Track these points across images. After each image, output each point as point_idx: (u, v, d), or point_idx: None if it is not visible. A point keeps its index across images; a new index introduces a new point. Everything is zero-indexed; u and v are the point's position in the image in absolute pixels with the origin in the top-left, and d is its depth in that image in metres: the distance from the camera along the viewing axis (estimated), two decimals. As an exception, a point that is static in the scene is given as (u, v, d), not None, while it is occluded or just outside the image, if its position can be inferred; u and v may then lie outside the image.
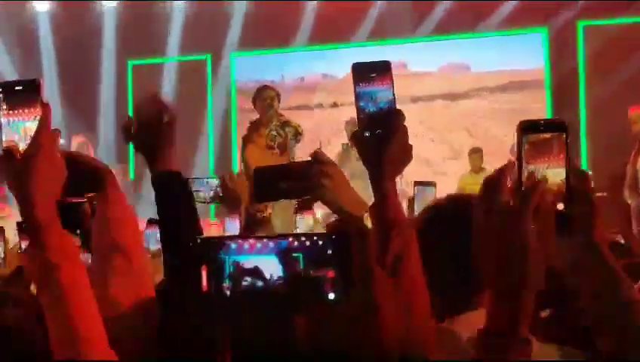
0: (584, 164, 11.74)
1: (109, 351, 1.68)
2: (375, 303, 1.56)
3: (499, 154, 11.12)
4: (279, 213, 7.87)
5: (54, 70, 13.25)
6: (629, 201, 9.10)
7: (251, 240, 1.37)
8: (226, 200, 3.93)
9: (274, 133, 9.24)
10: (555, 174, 1.63)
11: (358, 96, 1.98)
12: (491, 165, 11.55)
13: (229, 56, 13.19)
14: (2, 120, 1.78)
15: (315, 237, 1.35)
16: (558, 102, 12.15)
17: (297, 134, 9.24)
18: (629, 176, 9.40)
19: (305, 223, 4.20)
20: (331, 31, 12.64)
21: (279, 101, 9.51)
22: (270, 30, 12.65)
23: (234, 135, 12.85)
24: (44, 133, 1.75)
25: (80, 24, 13.10)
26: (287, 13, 12.58)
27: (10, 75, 13.17)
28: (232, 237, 1.39)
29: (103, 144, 12.73)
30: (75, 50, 13.01)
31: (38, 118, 1.77)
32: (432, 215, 2.31)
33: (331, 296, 1.34)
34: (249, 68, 13.05)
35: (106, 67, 13.29)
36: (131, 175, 12.38)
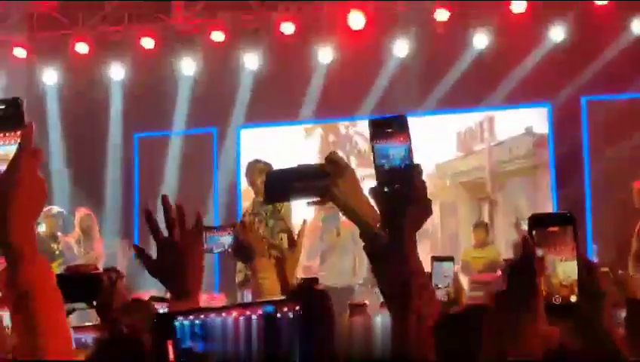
0: (589, 236, 11.71)
1: None
2: None
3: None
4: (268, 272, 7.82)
5: (61, 142, 13.31)
6: (632, 274, 9.07)
7: (210, 317, 1.35)
8: (239, 253, 3.76)
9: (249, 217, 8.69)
10: (567, 268, 1.65)
11: (374, 153, 1.99)
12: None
13: (235, 129, 13.27)
14: None
15: (279, 307, 1.34)
16: (562, 175, 12.17)
17: (275, 212, 8.49)
18: (634, 249, 9.38)
19: None
20: (337, 105, 12.73)
21: None
22: (277, 104, 12.74)
23: (239, 209, 12.86)
24: (24, 154, 1.70)
25: (87, 97, 13.22)
26: (293, 87, 12.69)
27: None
28: (189, 313, 1.38)
29: (108, 216, 12.73)
30: (81, 122, 13.11)
31: (18, 139, 1.71)
32: (448, 323, 2.28)
33: None
34: (255, 142, 13.11)
35: (112, 139, 13.35)
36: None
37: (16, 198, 1.67)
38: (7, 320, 3.95)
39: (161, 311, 3.95)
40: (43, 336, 1.61)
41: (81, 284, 2.83)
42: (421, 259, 2.05)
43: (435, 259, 4.53)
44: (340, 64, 12.57)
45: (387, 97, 12.46)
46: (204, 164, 13.36)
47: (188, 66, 13.03)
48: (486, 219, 11.90)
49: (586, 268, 1.67)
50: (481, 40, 12.17)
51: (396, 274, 1.95)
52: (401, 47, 12.40)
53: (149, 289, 10.00)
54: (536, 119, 12.54)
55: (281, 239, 8.14)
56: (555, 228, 1.68)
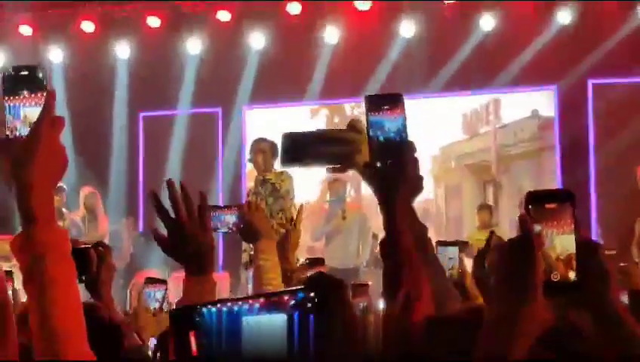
0: (593, 220, 11.72)
1: (87, 348, 1.63)
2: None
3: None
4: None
5: (66, 120, 13.27)
6: (637, 259, 9.08)
7: (230, 309, 1.35)
8: (244, 233, 3.71)
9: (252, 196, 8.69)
10: (564, 241, 1.64)
11: (369, 125, 1.98)
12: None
13: (240, 109, 13.26)
14: (5, 104, 1.74)
15: (296, 294, 1.34)
16: (567, 159, 12.16)
17: (274, 190, 8.55)
18: (637, 234, 9.38)
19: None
20: (342, 86, 12.72)
21: (274, 155, 8.65)
22: (282, 85, 12.73)
23: (244, 188, 12.87)
24: (46, 121, 1.71)
25: (93, 75, 13.22)
26: (298, 67, 12.67)
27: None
28: (210, 304, 1.38)
29: (113, 195, 12.76)
30: (87, 100, 13.10)
31: (41, 104, 1.73)
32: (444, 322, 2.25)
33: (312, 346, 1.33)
34: (260, 122, 13.11)
35: (117, 118, 13.36)
36: (141, 226, 12.42)
37: (36, 164, 1.67)
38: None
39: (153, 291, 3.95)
40: (55, 306, 1.60)
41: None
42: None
43: (439, 243, 4.54)
44: (346, 45, 12.55)
45: (393, 78, 12.43)
46: (208, 143, 13.36)
47: (193, 46, 13.01)
48: (491, 202, 11.90)
49: (590, 248, 1.66)
50: (487, 22, 12.13)
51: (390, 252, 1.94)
52: (407, 29, 12.36)
53: (152, 268, 10.07)
54: (542, 102, 12.51)
55: (281, 218, 8.18)
56: (553, 205, 1.66)
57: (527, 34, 12.04)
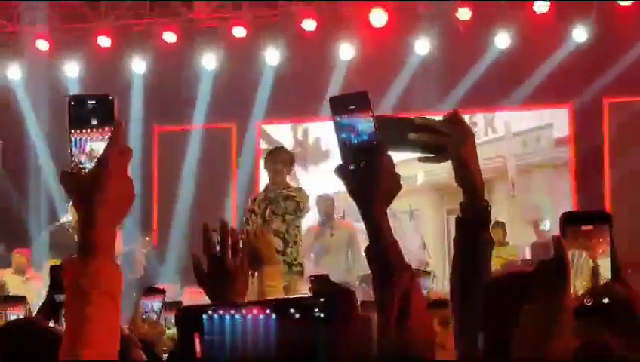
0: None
1: None
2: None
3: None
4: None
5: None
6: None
7: (237, 314, 1.35)
8: (249, 259, 3.67)
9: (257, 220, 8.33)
10: (600, 268, 1.62)
11: (338, 127, 1.92)
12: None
13: (255, 124, 13.27)
14: (72, 136, 1.71)
15: (304, 305, 1.33)
16: (582, 177, 12.13)
17: (298, 210, 8.22)
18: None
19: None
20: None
21: (292, 165, 8.53)
22: (297, 100, 12.75)
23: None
24: (114, 150, 1.66)
25: (108, 90, 13.13)
26: (313, 83, 12.68)
27: (37, 138, 13.32)
28: (217, 307, 1.37)
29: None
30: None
31: (108, 135, 1.68)
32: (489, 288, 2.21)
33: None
34: (274, 137, 13.12)
35: (132, 133, 13.38)
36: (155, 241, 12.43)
37: (102, 199, 1.63)
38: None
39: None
40: (87, 345, 1.55)
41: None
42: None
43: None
44: (361, 61, 12.56)
45: (408, 95, 12.43)
46: (223, 158, 13.38)
47: (209, 61, 13.05)
48: (504, 216, 11.85)
49: (615, 271, 1.65)
50: (503, 39, 12.12)
51: (370, 253, 1.91)
52: (422, 46, 12.37)
53: (165, 282, 10.08)
54: (557, 119, 12.50)
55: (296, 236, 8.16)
56: (590, 227, 1.64)
57: (543, 51, 12.03)
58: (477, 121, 12.66)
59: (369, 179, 1.89)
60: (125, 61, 13.27)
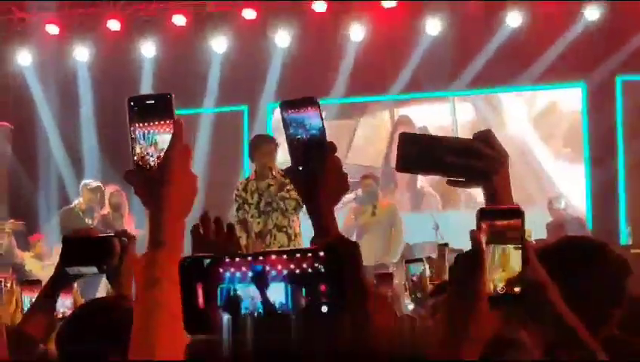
0: (622, 219, 11.60)
1: None
2: (370, 313, 1.60)
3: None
4: None
5: (92, 119, 13.36)
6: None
7: (243, 267, 1.33)
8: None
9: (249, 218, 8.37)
10: (512, 260, 1.75)
11: (286, 123, 1.95)
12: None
13: (265, 107, 13.25)
14: (137, 131, 1.77)
15: (308, 257, 1.32)
16: (595, 154, 12.08)
17: (298, 207, 8.03)
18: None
19: None
20: (368, 84, 12.69)
21: (276, 151, 8.35)
22: (307, 82, 12.71)
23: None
24: (177, 147, 1.75)
25: (119, 74, 13.24)
26: (323, 65, 12.64)
27: (48, 123, 13.33)
28: (224, 261, 1.35)
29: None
30: (113, 99, 13.12)
31: (170, 131, 1.76)
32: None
33: (324, 308, 1.31)
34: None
35: (127, 108, 13.36)
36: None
37: (168, 193, 1.72)
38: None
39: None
40: (157, 331, 1.63)
41: (92, 248, 2.75)
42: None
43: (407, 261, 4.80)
44: (372, 42, 12.51)
45: (419, 76, 12.39)
46: (234, 141, 13.35)
47: (219, 44, 13.02)
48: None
49: (524, 260, 1.76)
50: (514, 18, 12.04)
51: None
52: (433, 26, 12.30)
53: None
54: (570, 98, 12.44)
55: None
56: (503, 222, 1.75)
57: (555, 30, 11.95)
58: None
59: (315, 179, 1.93)
60: (135, 45, 13.25)
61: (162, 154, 1.75)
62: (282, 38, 12.78)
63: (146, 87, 13.34)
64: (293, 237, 8.20)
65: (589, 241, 2.61)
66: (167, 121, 1.77)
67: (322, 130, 1.94)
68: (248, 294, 1.33)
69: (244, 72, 12.98)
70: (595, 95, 12.12)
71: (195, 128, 13.24)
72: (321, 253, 1.30)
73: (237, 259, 1.34)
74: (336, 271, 1.30)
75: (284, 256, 1.32)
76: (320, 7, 12.40)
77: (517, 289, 1.73)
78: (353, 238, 10.42)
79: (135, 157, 1.77)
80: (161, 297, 1.64)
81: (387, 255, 10.21)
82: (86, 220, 10.84)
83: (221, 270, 1.34)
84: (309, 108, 1.95)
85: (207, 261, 1.35)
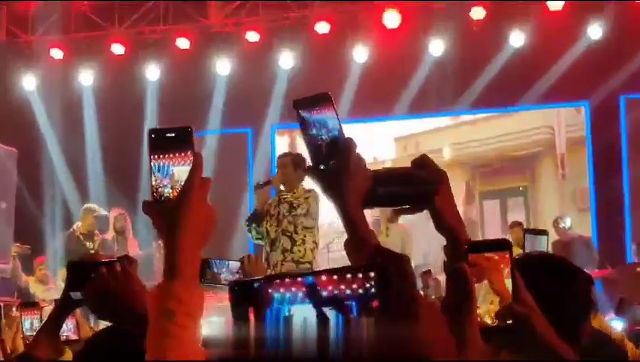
0: (628, 236, 11.58)
1: None
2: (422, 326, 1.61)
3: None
4: None
5: (97, 142, 13.39)
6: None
7: (293, 288, 1.34)
8: None
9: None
10: (503, 290, 1.77)
11: (307, 125, 1.94)
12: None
13: (270, 128, 13.27)
14: (152, 163, 1.79)
15: (360, 277, 1.32)
16: (600, 173, 12.07)
17: (292, 208, 8.26)
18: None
19: None
20: (371, 105, 12.71)
21: (297, 167, 8.37)
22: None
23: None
24: (196, 180, 1.76)
25: (123, 97, 13.29)
26: (327, 86, 12.65)
27: (53, 146, 13.36)
28: (274, 282, 1.36)
29: (142, 217, 12.74)
30: (117, 122, 13.17)
31: (189, 164, 1.77)
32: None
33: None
34: (290, 141, 13.12)
35: (147, 140, 13.38)
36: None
37: (186, 226, 1.71)
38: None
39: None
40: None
41: (94, 272, 2.79)
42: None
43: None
44: (375, 63, 12.53)
45: (422, 96, 12.41)
46: (239, 163, 13.37)
47: (223, 66, 13.06)
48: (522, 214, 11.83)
49: (513, 291, 1.79)
50: (517, 38, 12.07)
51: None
52: (436, 46, 12.33)
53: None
54: (574, 117, 12.46)
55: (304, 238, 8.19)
56: (492, 254, 1.78)
57: (558, 49, 11.97)
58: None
59: (340, 177, 1.92)
60: (140, 68, 13.30)
61: (178, 185, 1.76)
62: (286, 59, 12.82)
63: (151, 110, 13.38)
64: (298, 243, 8.22)
65: (549, 257, 2.61)
66: (186, 153, 1.79)
67: (341, 127, 1.93)
68: (301, 313, 1.33)
69: (248, 94, 13.00)
70: (598, 113, 12.12)
71: (200, 150, 13.24)
72: (372, 274, 1.31)
73: (287, 280, 1.34)
74: (387, 289, 1.31)
75: (335, 277, 1.32)
76: (323, 28, 12.43)
77: (508, 321, 1.75)
78: None
79: (152, 189, 1.79)
80: (175, 330, 1.63)
81: None
82: (87, 244, 10.88)
83: (271, 291, 1.34)
84: (326, 105, 1.94)
85: (257, 283, 1.36)
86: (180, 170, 1.77)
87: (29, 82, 13.45)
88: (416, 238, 10.54)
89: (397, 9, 12.09)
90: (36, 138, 13.40)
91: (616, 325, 6.33)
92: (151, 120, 13.41)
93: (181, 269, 1.68)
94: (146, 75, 13.31)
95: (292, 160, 8.45)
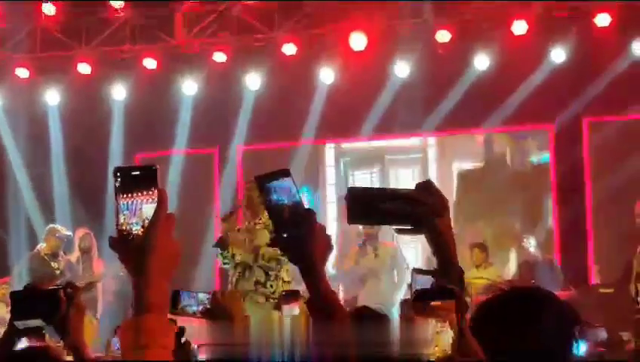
0: (590, 257, 11.69)
1: None
2: None
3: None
4: (255, 311, 7.92)
5: (62, 162, 13.32)
6: (634, 296, 9.05)
7: None
8: (215, 316, 3.78)
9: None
10: (446, 339, 1.84)
11: (268, 190, 2.04)
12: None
13: (236, 149, 13.27)
14: (119, 201, 1.85)
15: None
16: (564, 196, 12.19)
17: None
18: (635, 271, 9.34)
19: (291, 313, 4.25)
20: (338, 126, 12.77)
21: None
22: (278, 124, 12.78)
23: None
24: (162, 217, 1.81)
25: (89, 117, 13.25)
26: (294, 108, 12.71)
27: (17, 166, 13.27)
28: None
29: (108, 235, 12.64)
30: (83, 142, 13.13)
31: (154, 201, 1.82)
32: (482, 313, 2.33)
33: None
34: (256, 162, 13.12)
35: (113, 159, 13.35)
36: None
37: (153, 261, 1.77)
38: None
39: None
40: None
41: (38, 301, 2.85)
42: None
43: (416, 271, 4.58)
44: (342, 85, 12.59)
45: (388, 118, 12.48)
46: (205, 183, 13.36)
47: (189, 86, 13.06)
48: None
49: (458, 334, 1.85)
50: (482, 61, 12.17)
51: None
52: (402, 68, 12.41)
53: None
54: (537, 139, 12.58)
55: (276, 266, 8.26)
56: (438, 303, 1.86)
57: (522, 72, 12.09)
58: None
59: (304, 244, 2.01)
60: (106, 88, 13.26)
61: (145, 222, 1.81)
62: (252, 80, 12.84)
63: (117, 130, 13.34)
64: (272, 278, 8.31)
65: (537, 292, 2.65)
66: (151, 191, 1.84)
67: (300, 197, 2.02)
68: None
69: (214, 114, 13.01)
70: (562, 136, 12.25)
71: (165, 171, 13.24)
72: None
73: None
74: None
75: None
76: (290, 50, 12.48)
77: None
78: (358, 282, 10.46)
79: (118, 226, 1.84)
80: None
81: (394, 295, 10.23)
82: (52, 264, 10.83)
83: None
84: (285, 178, 2.04)
85: None
86: (147, 207, 1.82)
87: (-6, 101, 13.38)
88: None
89: (363, 31, 12.16)
90: (1, 157, 13.31)
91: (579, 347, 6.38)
92: (117, 139, 13.37)
93: (151, 303, 1.73)
94: (112, 94, 13.28)
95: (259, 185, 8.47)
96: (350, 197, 2.10)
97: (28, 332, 2.93)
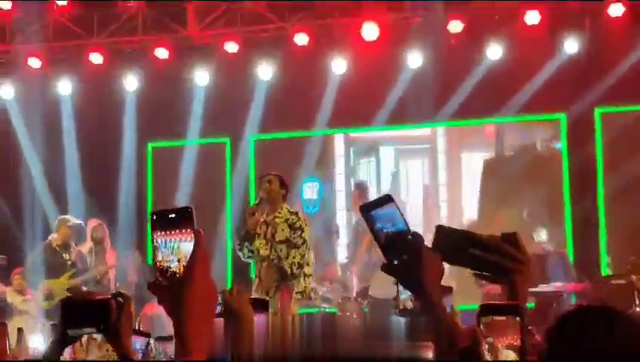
0: (603, 250, 11.67)
1: None
2: None
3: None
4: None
5: (75, 152, 13.34)
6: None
7: None
8: (225, 317, 3.77)
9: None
10: (509, 355, 1.88)
11: (372, 220, 2.10)
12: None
13: (249, 138, 13.28)
14: (157, 240, 1.90)
15: None
16: (576, 188, 12.15)
17: (293, 245, 8.40)
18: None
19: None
20: (350, 116, 12.76)
21: (283, 186, 8.61)
22: (290, 114, 12.78)
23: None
24: (199, 257, 1.87)
25: (101, 107, 13.27)
26: (306, 98, 12.71)
27: (30, 156, 13.31)
28: None
29: (121, 227, 12.73)
30: (95, 132, 13.16)
31: (190, 240, 1.88)
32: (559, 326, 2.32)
33: None
34: (268, 151, 13.14)
35: (126, 149, 13.38)
36: (149, 260, 12.40)
37: (192, 301, 1.84)
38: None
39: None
40: None
41: (90, 311, 2.93)
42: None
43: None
44: (354, 75, 12.58)
45: (400, 108, 12.46)
46: (217, 173, 13.37)
47: (202, 77, 13.06)
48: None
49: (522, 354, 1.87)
50: (494, 51, 12.14)
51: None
52: (414, 59, 12.39)
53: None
54: (550, 131, 12.55)
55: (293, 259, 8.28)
56: (502, 318, 1.89)
57: (535, 63, 12.05)
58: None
59: (414, 272, 2.08)
60: (118, 78, 13.28)
61: (185, 259, 1.87)
62: (264, 70, 12.84)
63: (129, 120, 13.36)
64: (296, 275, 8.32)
65: (610, 310, 2.62)
66: (188, 231, 1.89)
67: (406, 222, 2.08)
68: None
69: (226, 104, 13.02)
70: (574, 127, 12.20)
71: (178, 160, 13.26)
72: None
73: None
74: None
75: None
76: (302, 40, 12.47)
77: None
78: (370, 272, 10.50)
79: (157, 264, 1.90)
80: None
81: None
82: (63, 255, 10.87)
83: None
84: (389, 204, 2.10)
85: None
86: (184, 246, 1.88)
87: (6, 91, 13.41)
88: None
89: (375, 22, 12.14)
90: (14, 148, 13.35)
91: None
92: (129, 129, 13.40)
93: (192, 343, 1.80)
94: (124, 84, 13.29)
95: (278, 178, 8.52)
96: (438, 235, 2.19)
97: (77, 339, 3.02)
